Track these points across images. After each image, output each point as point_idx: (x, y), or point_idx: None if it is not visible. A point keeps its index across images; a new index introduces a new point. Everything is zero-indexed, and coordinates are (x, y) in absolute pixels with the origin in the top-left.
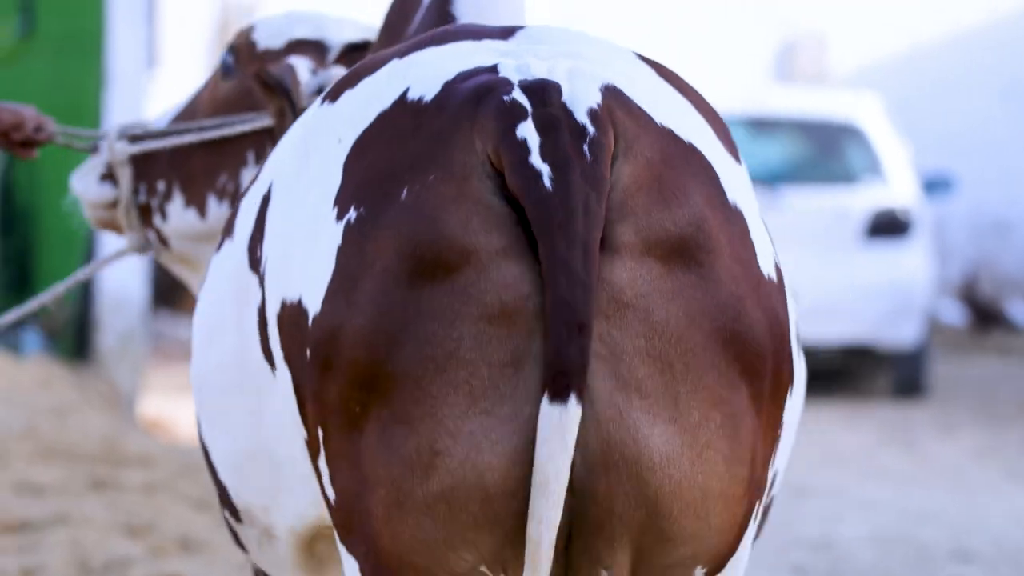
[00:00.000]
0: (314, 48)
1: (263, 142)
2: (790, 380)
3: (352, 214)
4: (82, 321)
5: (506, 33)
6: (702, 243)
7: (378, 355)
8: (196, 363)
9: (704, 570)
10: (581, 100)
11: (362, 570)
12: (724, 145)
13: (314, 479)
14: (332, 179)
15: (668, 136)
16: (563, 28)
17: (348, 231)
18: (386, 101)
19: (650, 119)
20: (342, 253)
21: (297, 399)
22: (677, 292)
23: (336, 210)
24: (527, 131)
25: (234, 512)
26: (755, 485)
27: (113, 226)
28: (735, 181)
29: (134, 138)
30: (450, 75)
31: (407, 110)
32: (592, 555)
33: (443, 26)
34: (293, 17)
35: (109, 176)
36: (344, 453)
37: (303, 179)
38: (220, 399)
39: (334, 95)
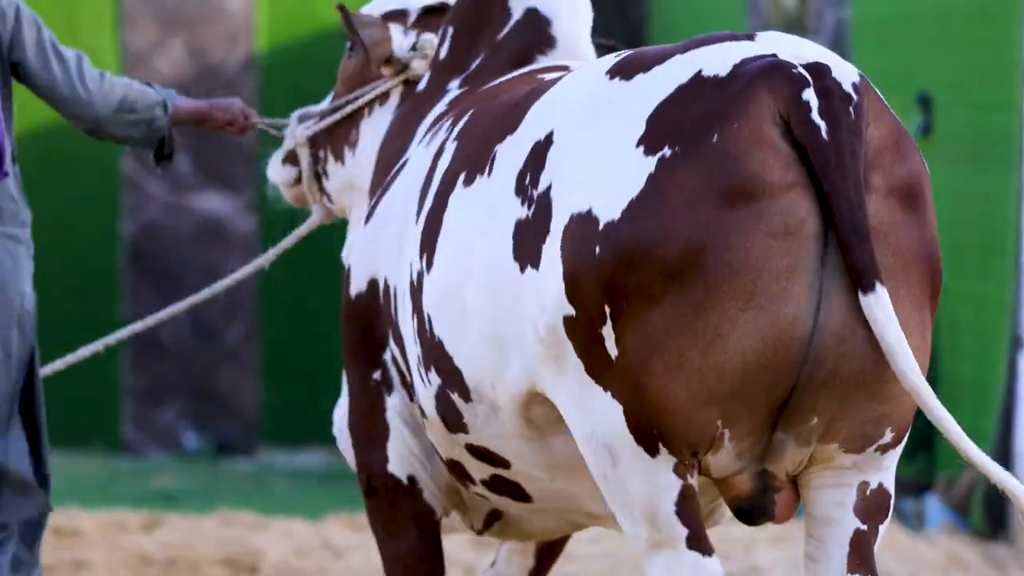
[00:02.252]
0: (400, 14)
1: (374, 99)
2: None
3: (667, 151)
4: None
5: (750, 38)
6: (920, 192)
7: (687, 255)
8: (446, 273)
9: (892, 434)
10: (846, 78)
11: (625, 411)
12: None
13: (527, 354)
14: (634, 129)
15: (894, 116)
16: (790, 35)
17: (662, 163)
18: (683, 78)
19: (883, 102)
20: (654, 178)
21: (567, 286)
22: (906, 224)
23: (642, 148)
24: (809, 95)
25: (464, 393)
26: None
27: (304, 201)
28: None
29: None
30: (737, 60)
31: (705, 83)
32: (811, 405)
33: (687, 41)
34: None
35: (288, 159)
36: (635, 323)
37: (594, 130)
38: (464, 300)
39: (627, 74)
